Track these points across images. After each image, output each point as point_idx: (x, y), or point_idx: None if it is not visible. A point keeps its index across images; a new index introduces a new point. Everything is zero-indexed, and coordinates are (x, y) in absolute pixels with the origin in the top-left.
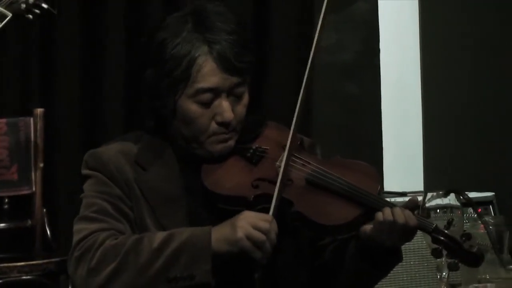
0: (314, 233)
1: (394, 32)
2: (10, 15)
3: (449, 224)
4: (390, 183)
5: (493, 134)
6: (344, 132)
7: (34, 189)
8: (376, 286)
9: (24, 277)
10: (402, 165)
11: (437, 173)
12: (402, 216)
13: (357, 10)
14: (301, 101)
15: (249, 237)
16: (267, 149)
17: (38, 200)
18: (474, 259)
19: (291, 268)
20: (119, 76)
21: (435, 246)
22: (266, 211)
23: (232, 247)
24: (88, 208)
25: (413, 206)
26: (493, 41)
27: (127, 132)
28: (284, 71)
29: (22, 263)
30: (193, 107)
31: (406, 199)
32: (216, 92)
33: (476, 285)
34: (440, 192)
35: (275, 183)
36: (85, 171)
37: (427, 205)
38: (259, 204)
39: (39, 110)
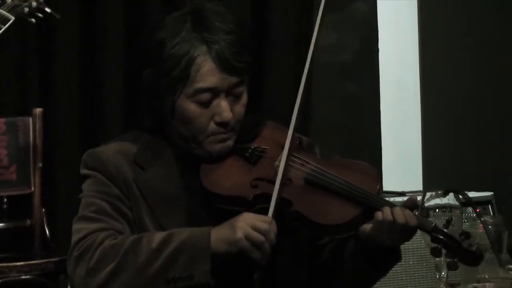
0: (313, 233)
1: (393, 32)
2: (12, 18)
3: (448, 223)
4: (389, 182)
5: (492, 134)
6: (343, 132)
7: (33, 188)
8: (375, 285)
9: (23, 277)
10: (401, 164)
11: (436, 172)
12: (402, 215)
13: (356, 10)
14: (300, 101)
15: (248, 238)
16: (266, 148)
17: (37, 200)
18: (473, 258)
19: (290, 268)
20: (119, 76)
21: (434, 245)
22: (265, 210)
23: (231, 247)
24: (87, 208)
25: (412, 205)
26: (492, 41)
27: (126, 132)
28: (284, 71)
29: (21, 263)
30: (192, 107)
31: (405, 199)
32: (215, 92)
33: (475, 284)
34: (439, 192)
35: (274, 183)
36: (84, 171)
37: (426, 204)
38: (258, 204)
39: (38, 110)
